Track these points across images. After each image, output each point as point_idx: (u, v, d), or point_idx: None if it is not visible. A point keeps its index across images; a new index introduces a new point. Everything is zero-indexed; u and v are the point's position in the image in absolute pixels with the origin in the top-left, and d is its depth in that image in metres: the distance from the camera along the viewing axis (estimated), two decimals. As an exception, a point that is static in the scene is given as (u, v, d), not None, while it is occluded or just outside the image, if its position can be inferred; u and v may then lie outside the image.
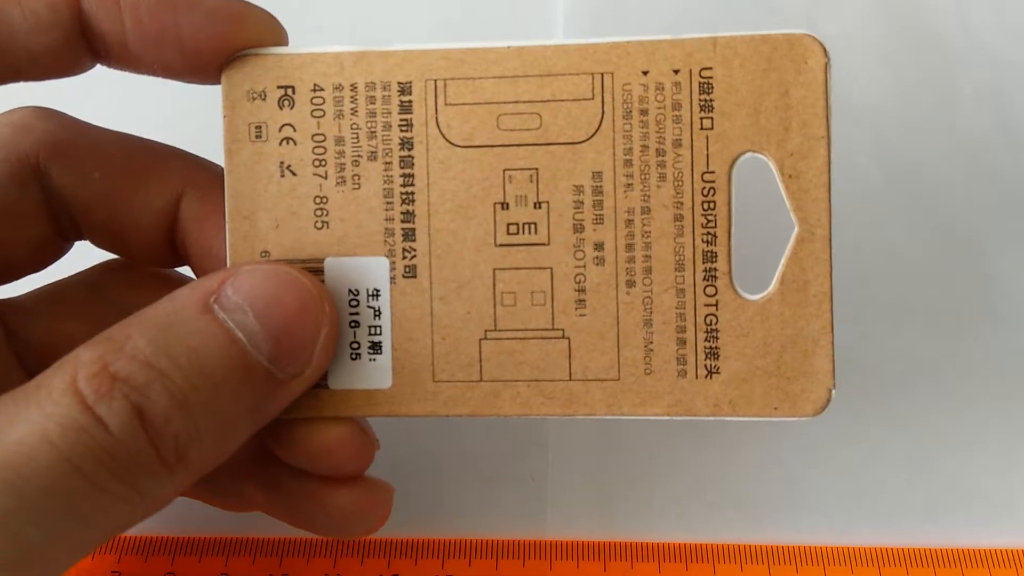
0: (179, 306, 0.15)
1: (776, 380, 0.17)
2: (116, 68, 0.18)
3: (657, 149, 0.17)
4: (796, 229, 0.17)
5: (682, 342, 0.17)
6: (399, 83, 0.17)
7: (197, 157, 0.20)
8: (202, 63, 0.17)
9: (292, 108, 0.17)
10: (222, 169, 0.18)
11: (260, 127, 0.17)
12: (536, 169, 0.17)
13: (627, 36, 0.17)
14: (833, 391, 0.17)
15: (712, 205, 0.17)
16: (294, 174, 0.17)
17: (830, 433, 0.25)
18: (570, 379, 0.17)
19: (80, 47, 0.17)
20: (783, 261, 0.17)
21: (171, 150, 0.20)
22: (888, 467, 0.25)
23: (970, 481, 0.25)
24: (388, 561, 0.24)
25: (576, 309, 0.17)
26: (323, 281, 0.17)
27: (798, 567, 0.23)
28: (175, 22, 0.17)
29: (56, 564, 0.14)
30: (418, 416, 0.18)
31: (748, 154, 0.17)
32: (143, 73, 0.18)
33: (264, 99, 0.17)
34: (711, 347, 0.17)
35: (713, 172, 0.17)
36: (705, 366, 0.17)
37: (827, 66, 0.17)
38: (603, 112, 0.17)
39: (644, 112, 0.17)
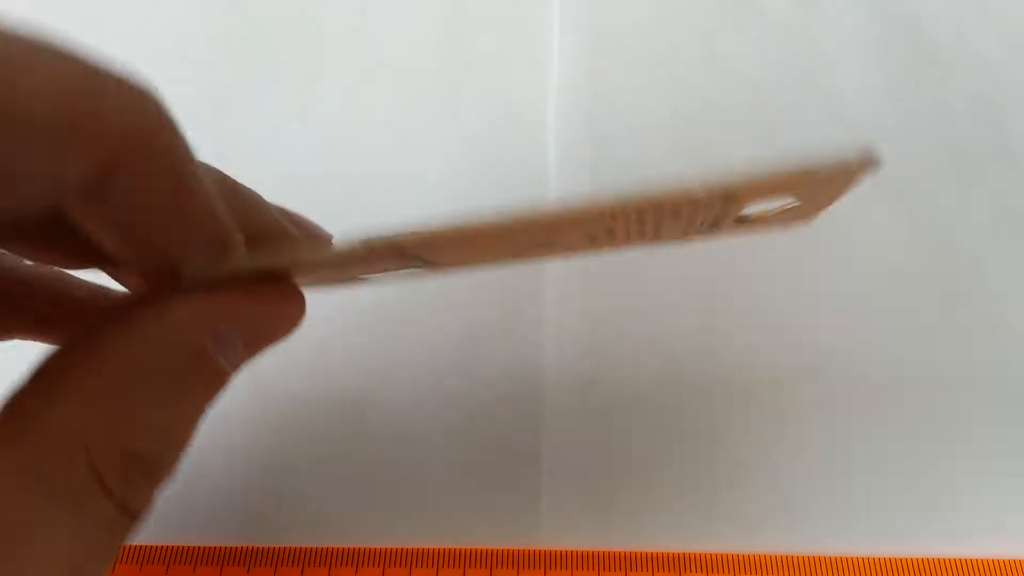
0: (176, 349, 0.14)
1: None
2: None
3: None
4: None
5: None
6: None
7: None
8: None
9: None
10: None
11: None
12: None
13: None
14: None
15: None
16: None
17: (824, 444, 0.25)
18: None
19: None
20: None
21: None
22: (880, 478, 0.25)
23: (961, 492, 0.25)
24: (383, 570, 0.24)
25: None
26: None
27: (791, 577, 0.24)
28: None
29: None
30: None
31: None
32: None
33: None
34: None
35: None
36: None
37: None
38: None
39: None
